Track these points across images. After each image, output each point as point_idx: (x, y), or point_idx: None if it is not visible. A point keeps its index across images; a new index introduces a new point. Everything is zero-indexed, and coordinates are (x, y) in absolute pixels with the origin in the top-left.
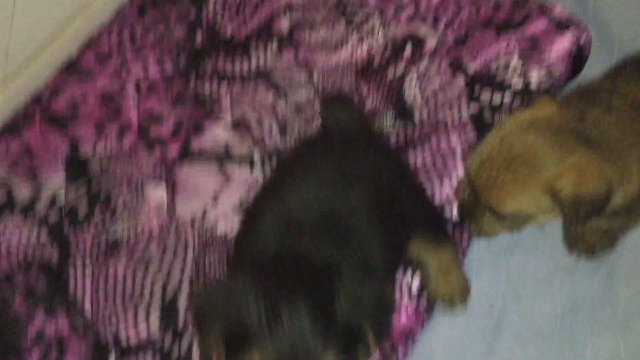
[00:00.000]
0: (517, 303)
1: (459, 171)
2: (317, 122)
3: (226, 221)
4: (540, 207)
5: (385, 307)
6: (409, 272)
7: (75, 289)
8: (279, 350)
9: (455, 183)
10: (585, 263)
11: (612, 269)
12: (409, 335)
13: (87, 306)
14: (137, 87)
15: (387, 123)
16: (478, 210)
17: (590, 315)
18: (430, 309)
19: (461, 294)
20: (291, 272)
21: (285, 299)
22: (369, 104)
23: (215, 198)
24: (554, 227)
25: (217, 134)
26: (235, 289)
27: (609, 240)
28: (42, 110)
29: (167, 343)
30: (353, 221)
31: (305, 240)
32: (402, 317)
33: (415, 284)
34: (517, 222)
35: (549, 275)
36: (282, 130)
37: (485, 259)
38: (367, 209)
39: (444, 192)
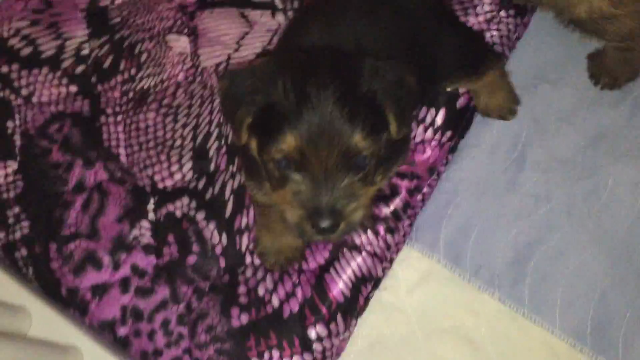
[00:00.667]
0: (541, 136)
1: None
2: None
3: None
4: None
5: (407, 93)
6: (433, 107)
7: (109, 139)
8: (310, 132)
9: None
10: (611, 94)
11: (636, 99)
12: (433, 169)
13: (122, 155)
14: None
15: None
16: None
17: (613, 144)
18: (454, 145)
19: (509, 109)
20: (318, 56)
21: (312, 77)
22: None
23: (238, 45)
24: (579, 60)
25: None
26: (263, 71)
27: (631, 70)
28: None
29: (201, 185)
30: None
31: (337, 33)
32: (427, 150)
33: (440, 118)
34: None
35: (573, 108)
36: None
37: None
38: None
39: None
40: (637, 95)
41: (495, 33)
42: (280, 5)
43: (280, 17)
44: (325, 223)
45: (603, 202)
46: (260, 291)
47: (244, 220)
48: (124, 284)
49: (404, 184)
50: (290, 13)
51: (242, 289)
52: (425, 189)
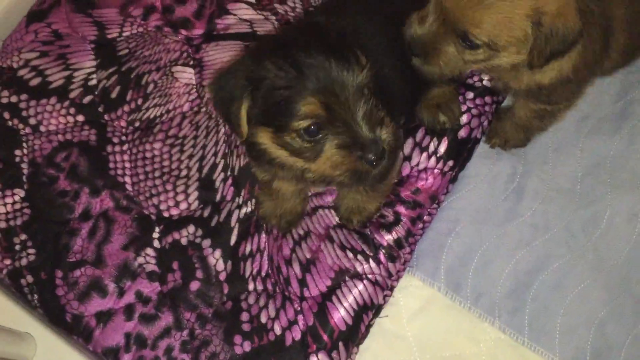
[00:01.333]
0: (540, 166)
1: None
2: None
3: None
4: (514, 37)
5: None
6: (435, 139)
7: (116, 167)
8: (324, 85)
9: None
10: (608, 124)
11: (633, 129)
12: (434, 197)
13: (128, 183)
14: None
15: None
16: (442, 41)
17: (610, 174)
18: (455, 175)
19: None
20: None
21: (298, 43)
22: None
23: None
24: None
25: (241, 13)
26: (243, 64)
27: (523, 138)
28: None
29: (206, 213)
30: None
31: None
32: (429, 178)
33: (442, 147)
34: (482, 56)
35: (571, 138)
36: (306, 7)
37: None
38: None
39: None
40: (634, 124)
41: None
42: None
43: None
44: (372, 155)
45: (601, 231)
46: (263, 318)
47: (249, 247)
48: (129, 310)
49: (406, 212)
50: None
51: (244, 316)
52: (426, 217)
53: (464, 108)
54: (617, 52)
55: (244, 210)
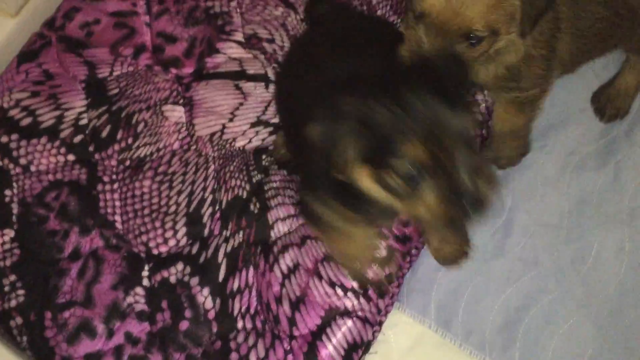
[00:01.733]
0: (527, 201)
1: None
2: None
3: (244, 137)
4: (508, 13)
5: None
6: None
7: (106, 206)
8: (427, 130)
9: None
10: (594, 159)
11: (619, 163)
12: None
13: (118, 222)
14: (148, 8)
15: None
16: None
17: (597, 209)
18: None
19: None
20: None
21: (407, 90)
22: None
23: (233, 115)
24: (561, 127)
25: (231, 52)
26: (360, 97)
27: (513, 146)
28: (57, 34)
29: (194, 250)
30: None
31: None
32: None
33: None
34: (487, 45)
35: (557, 173)
36: None
37: None
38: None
39: None
40: (619, 159)
41: (483, 105)
42: (273, 78)
43: (273, 89)
44: (470, 207)
45: (589, 266)
46: (252, 359)
47: (237, 283)
48: (118, 352)
49: (398, 247)
50: None
51: (234, 356)
52: (413, 251)
53: None
54: (566, 23)
55: (231, 243)
